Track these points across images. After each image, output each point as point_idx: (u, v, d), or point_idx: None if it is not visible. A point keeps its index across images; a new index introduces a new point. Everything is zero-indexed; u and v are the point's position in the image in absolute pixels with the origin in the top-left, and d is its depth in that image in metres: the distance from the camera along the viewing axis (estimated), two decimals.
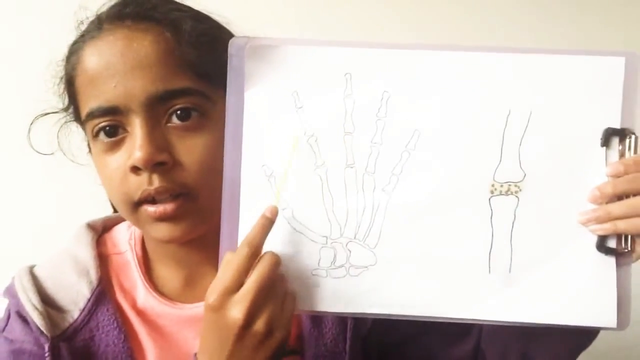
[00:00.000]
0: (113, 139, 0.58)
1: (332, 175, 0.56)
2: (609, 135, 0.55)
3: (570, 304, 0.55)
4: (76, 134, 0.67)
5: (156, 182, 0.56)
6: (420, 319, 0.56)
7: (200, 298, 0.60)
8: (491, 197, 0.56)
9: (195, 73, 0.58)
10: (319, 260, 0.56)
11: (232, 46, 0.56)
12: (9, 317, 0.64)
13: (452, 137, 0.56)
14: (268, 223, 0.54)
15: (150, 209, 0.58)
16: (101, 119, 0.58)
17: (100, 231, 0.70)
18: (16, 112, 0.96)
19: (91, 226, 0.69)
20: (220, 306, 0.51)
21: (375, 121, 0.56)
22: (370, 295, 0.56)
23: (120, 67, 0.56)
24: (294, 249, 0.56)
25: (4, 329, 0.64)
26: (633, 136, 0.55)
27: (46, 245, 0.69)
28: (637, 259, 0.55)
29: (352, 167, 0.56)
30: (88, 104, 0.58)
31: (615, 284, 0.55)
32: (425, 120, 0.56)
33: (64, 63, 0.63)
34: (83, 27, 0.62)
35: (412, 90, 0.56)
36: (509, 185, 0.56)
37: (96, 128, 0.59)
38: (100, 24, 0.60)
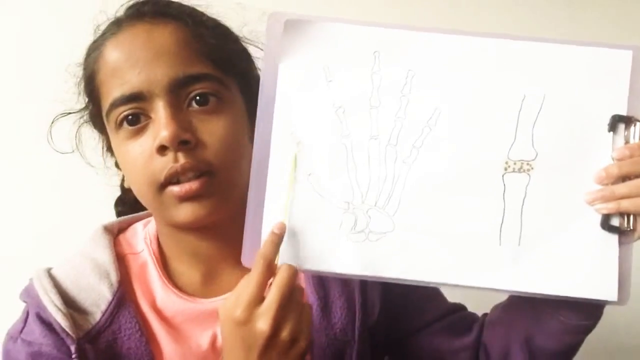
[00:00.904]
0: (136, 126, 0.60)
1: (357, 146, 0.60)
2: (616, 122, 0.59)
3: (574, 277, 0.59)
4: (90, 138, 0.70)
5: (182, 159, 0.59)
6: (434, 284, 0.59)
7: (219, 293, 0.65)
8: (505, 173, 0.59)
9: (212, 61, 0.61)
10: (341, 224, 0.59)
11: (270, 19, 0.60)
12: (26, 319, 0.64)
13: (470, 116, 0.60)
14: (277, 239, 0.57)
15: (175, 188, 0.60)
16: (125, 107, 0.60)
17: (116, 233, 0.71)
18: (20, 114, 0.98)
19: (107, 228, 0.70)
20: (246, 320, 0.53)
21: (400, 97, 0.60)
22: (387, 260, 0.59)
23: (142, 56, 0.59)
24: (317, 213, 0.59)
25: (21, 331, 0.63)
26: (638, 123, 0.59)
27: (51, 248, 0.71)
28: (638, 238, 0.59)
29: (376, 139, 0.60)
30: (111, 94, 0.61)
31: (617, 260, 0.58)
32: (446, 99, 0.60)
33: (83, 62, 0.66)
34: (101, 30, 0.65)
35: (436, 71, 0.60)
36: (522, 163, 0.59)
37: (120, 117, 0.61)
38: (119, 23, 0.63)
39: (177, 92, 0.60)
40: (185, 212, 0.60)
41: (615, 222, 0.59)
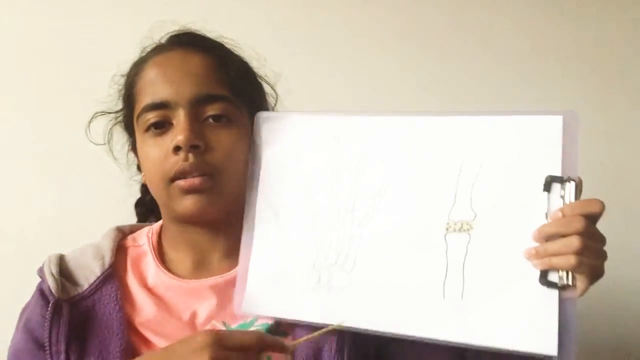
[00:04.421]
0: (160, 130, 0.74)
1: (321, 214, 0.72)
2: (550, 182, 0.63)
3: (515, 331, 0.61)
4: (118, 141, 0.85)
5: (191, 159, 0.71)
6: (385, 334, 0.66)
7: (205, 276, 0.76)
8: (446, 233, 0.66)
9: (230, 87, 0.75)
10: (308, 280, 0.70)
11: (256, 118, 0.76)
12: (34, 293, 0.77)
13: (415, 184, 0.68)
14: (287, 350, 0.64)
15: (181, 182, 0.72)
16: (153, 112, 0.73)
17: (127, 232, 0.84)
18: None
19: (119, 228, 0.84)
20: (210, 334, 0.59)
21: (356, 172, 0.71)
22: (344, 311, 0.68)
23: (175, 75, 0.74)
24: (290, 271, 0.71)
25: (28, 303, 0.77)
26: (572, 182, 0.62)
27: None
28: (581, 295, 0.60)
29: (336, 207, 0.71)
30: (144, 100, 0.75)
31: (556, 315, 0.60)
32: (394, 171, 0.69)
33: (127, 74, 0.81)
34: (145, 51, 0.81)
35: (385, 148, 0.70)
36: (462, 223, 0.66)
37: (149, 122, 0.74)
38: (161, 47, 0.79)
39: (197, 106, 0.73)
40: (188, 203, 0.72)
41: (554, 277, 0.61)
